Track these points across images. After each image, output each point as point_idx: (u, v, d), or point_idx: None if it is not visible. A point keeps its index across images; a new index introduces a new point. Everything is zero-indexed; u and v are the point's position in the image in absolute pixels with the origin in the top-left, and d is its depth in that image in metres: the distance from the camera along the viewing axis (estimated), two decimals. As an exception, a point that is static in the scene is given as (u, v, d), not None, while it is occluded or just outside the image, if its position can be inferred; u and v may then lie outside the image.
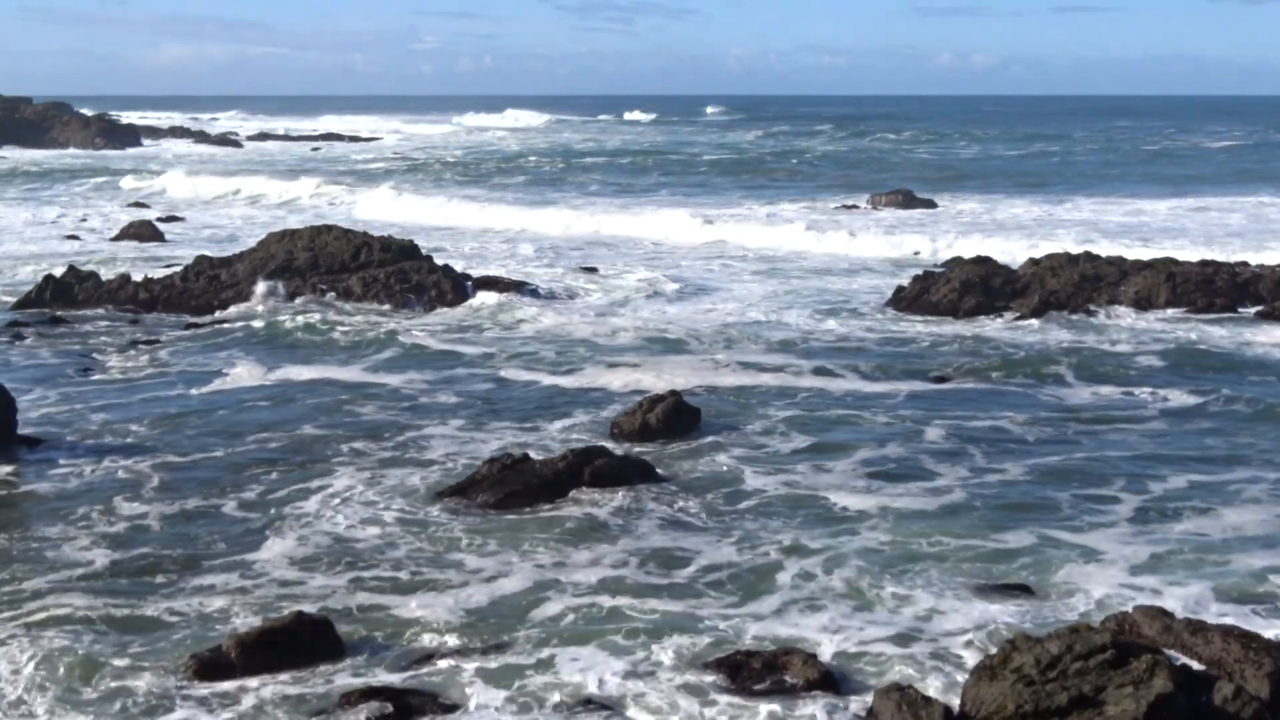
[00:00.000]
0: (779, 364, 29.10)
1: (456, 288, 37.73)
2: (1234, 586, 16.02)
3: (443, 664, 14.11)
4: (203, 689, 13.55)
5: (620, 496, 19.63)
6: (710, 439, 22.98)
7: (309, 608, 15.21)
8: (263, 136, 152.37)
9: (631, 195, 75.72)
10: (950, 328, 33.81)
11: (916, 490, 20.18)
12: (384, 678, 13.83)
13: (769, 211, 63.98)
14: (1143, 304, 35.96)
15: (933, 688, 13.27)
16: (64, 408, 25.14)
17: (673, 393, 24.16)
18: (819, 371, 28.42)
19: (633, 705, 13.17)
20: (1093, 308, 35.69)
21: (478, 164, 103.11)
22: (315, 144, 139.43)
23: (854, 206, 66.04)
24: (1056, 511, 19.07)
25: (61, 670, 13.86)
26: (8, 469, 21.03)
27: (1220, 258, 41.29)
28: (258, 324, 34.47)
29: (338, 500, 19.72)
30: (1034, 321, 34.49)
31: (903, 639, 14.76)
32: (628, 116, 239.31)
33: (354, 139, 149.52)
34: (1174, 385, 27.06)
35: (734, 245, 51.58)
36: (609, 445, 21.89)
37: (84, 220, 59.86)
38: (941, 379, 27.65)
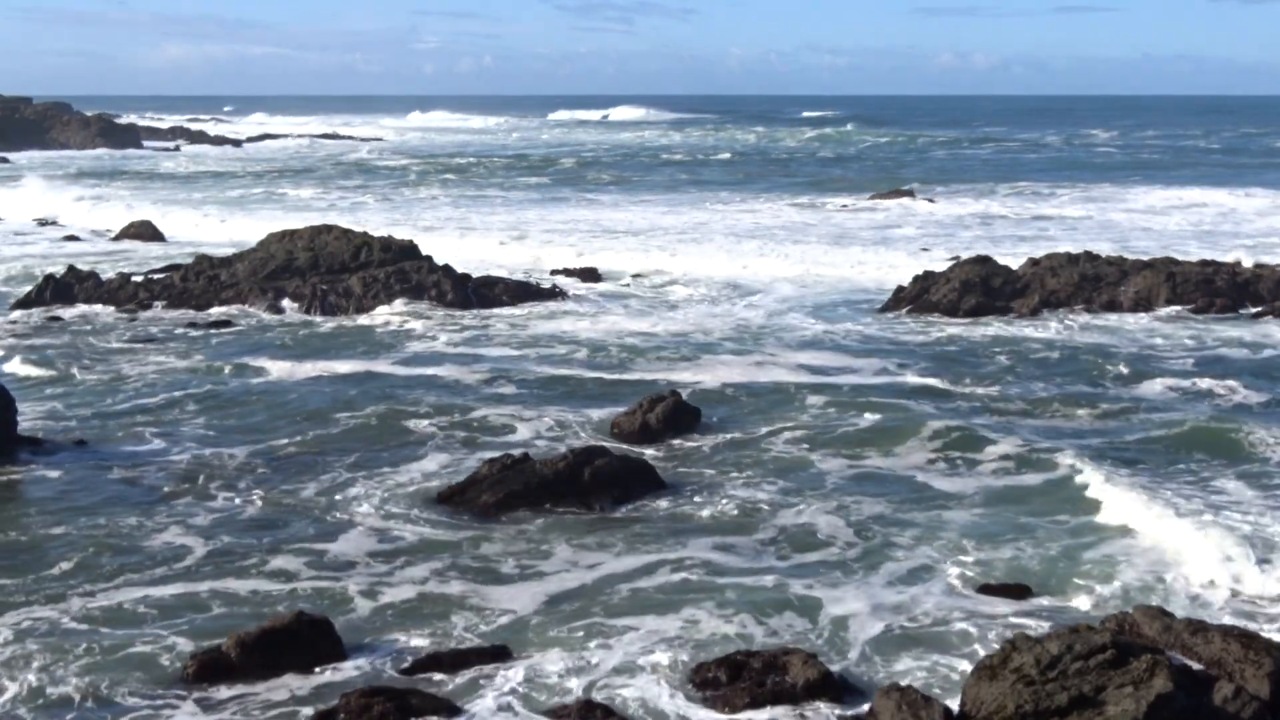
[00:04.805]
0: (784, 363, 29.10)
1: (457, 287, 37.72)
2: None
3: (444, 664, 14.12)
4: (203, 688, 13.56)
5: (619, 497, 19.66)
6: (710, 438, 22.99)
7: (308, 606, 15.24)
8: (263, 137, 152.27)
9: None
10: (951, 328, 33.79)
11: (934, 484, 20.25)
12: (385, 678, 13.85)
13: (770, 209, 64.00)
14: (1142, 304, 35.96)
15: (933, 687, 13.29)
16: (66, 408, 25.13)
17: (673, 392, 24.17)
18: (817, 369, 28.43)
19: (633, 707, 13.18)
20: (1094, 307, 35.71)
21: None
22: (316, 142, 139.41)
23: (845, 206, 66.02)
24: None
25: (69, 667, 13.91)
26: (9, 469, 21.02)
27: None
28: (259, 323, 34.54)
29: (345, 500, 19.77)
30: (1037, 320, 34.52)
31: (906, 637, 14.81)
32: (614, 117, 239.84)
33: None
34: (1211, 380, 27.21)
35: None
36: (610, 445, 21.92)
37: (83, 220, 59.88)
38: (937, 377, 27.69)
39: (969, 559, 17.24)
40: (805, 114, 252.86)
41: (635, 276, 42.91)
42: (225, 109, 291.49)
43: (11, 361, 29.23)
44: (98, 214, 61.59)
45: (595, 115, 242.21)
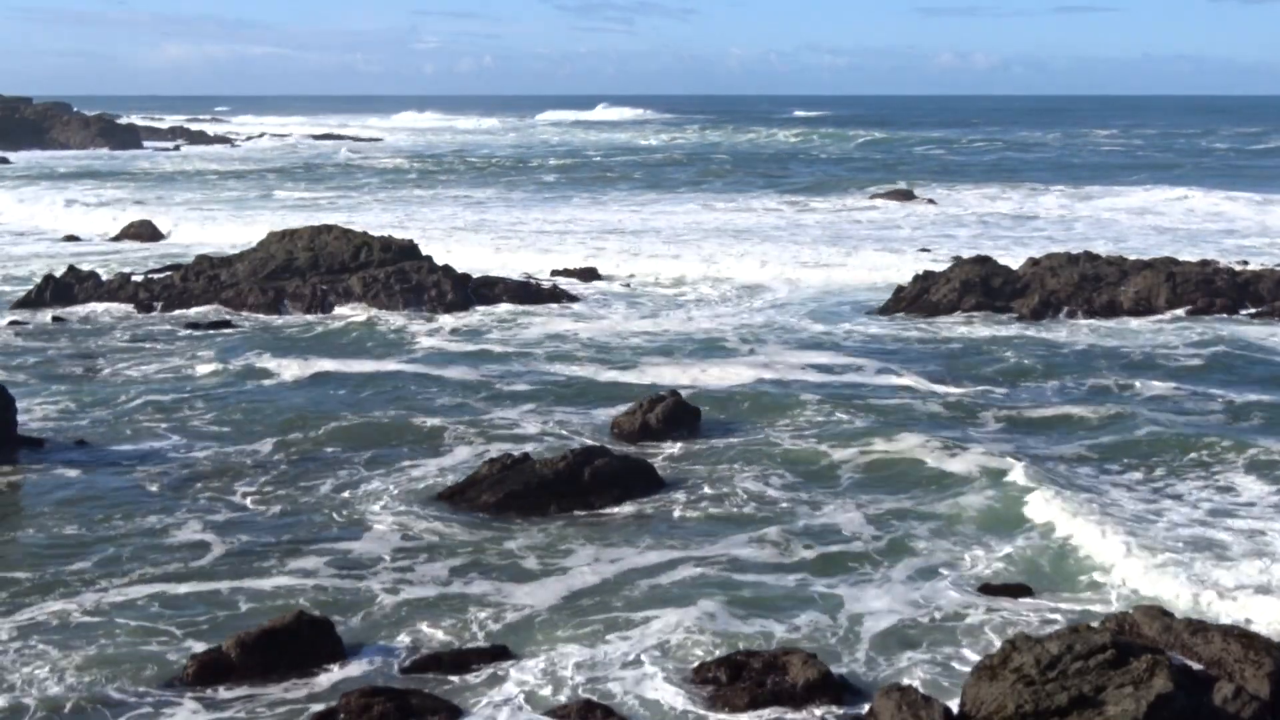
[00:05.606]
0: (784, 363, 29.09)
1: (457, 287, 37.70)
2: None
3: (445, 664, 14.12)
4: (204, 689, 13.57)
5: (619, 497, 19.66)
6: (710, 438, 22.98)
7: (304, 604, 15.25)
8: (261, 135, 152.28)
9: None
10: (951, 328, 33.78)
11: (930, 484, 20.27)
12: (385, 678, 13.85)
13: (766, 208, 64.00)
14: (1142, 304, 35.94)
15: (933, 687, 13.29)
16: (66, 408, 25.10)
17: (673, 392, 24.17)
18: (817, 369, 28.42)
19: (633, 706, 13.18)
20: (1094, 307, 35.68)
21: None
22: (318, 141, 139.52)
23: (844, 206, 66.01)
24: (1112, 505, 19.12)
25: (75, 665, 13.92)
26: (9, 470, 21.00)
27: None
28: (259, 323, 34.55)
29: (344, 501, 19.78)
30: (1037, 320, 34.53)
31: (906, 637, 14.82)
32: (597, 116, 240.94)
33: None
34: (1214, 382, 27.33)
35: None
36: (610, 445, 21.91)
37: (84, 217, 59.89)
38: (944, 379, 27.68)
39: (968, 559, 17.25)
40: (797, 113, 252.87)
41: (631, 276, 42.86)
42: (217, 109, 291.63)
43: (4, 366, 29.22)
44: (97, 214, 61.57)
45: (586, 115, 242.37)
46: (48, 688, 13.50)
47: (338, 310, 36.35)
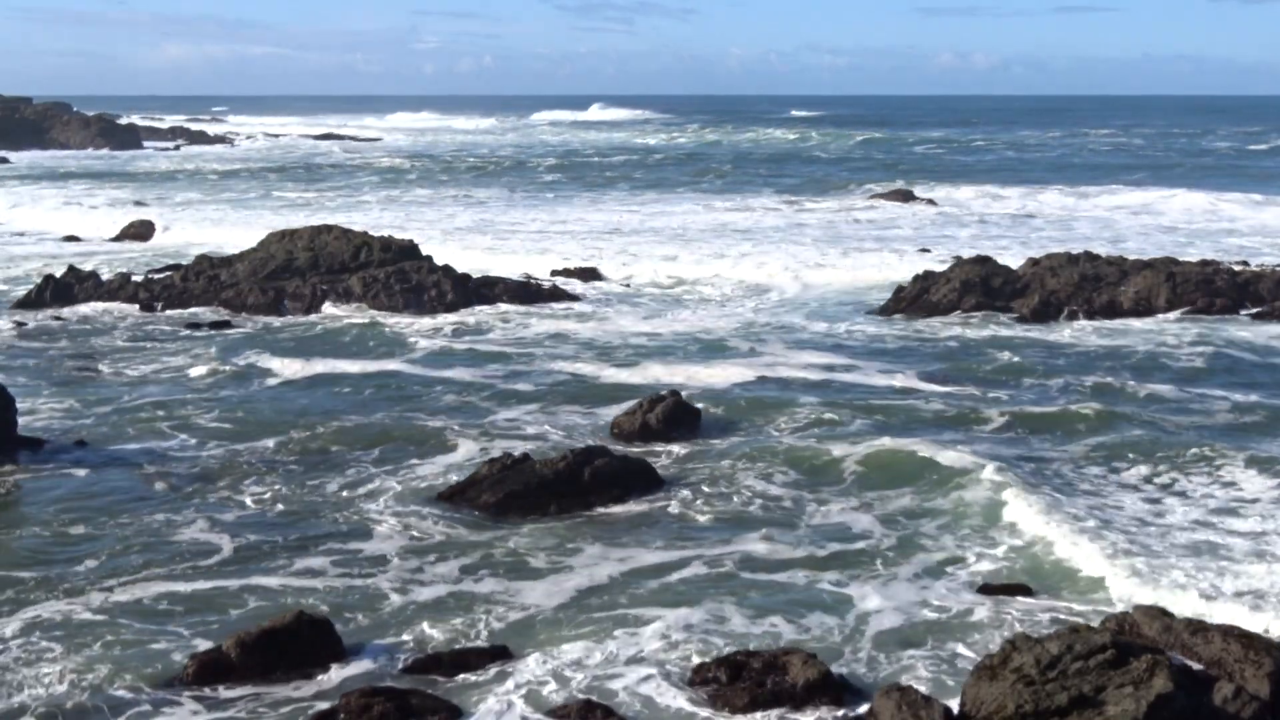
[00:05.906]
0: (784, 363, 29.10)
1: (457, 287, 37.70)
2: None
3: (444, 664, 14.12)
4: (204, 688, 13.57)
5: (619, 497, 19.67)
6: (710, 438, 22.98)
7: (309, 605, 15.25)
8: (259, 136, 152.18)
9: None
10: (951, 328, 33.76)
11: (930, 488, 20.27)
12: (385, 678, 13.85)
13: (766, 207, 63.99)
14: (1143, 304, 35.93)
15: (933, 687, 13.30)
16: (67, 408, 25.10)
17: (673, 393, 24.18)
18: (817, 369, 28.43)
19: (633, 706, 13.19)
20: (1094, 307, 35.67)
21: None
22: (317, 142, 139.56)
23: (844, 206, 66.00)
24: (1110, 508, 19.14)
25: (76, 664, 13.92)
26: (9, 470, 21.00)
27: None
28: (260, 322, 34.55)
29: (341, 501, 19.78)
30: (1037, 320, 34.50)
31: (906, 637, 14.82)
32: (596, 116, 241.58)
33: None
34: (1217, 382, 27.34)
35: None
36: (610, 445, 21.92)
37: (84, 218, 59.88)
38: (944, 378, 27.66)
39: (968, 558, 17.26)
40: (795, 113, 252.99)
41: (630, 276, 42.83)
42: (215, 109, 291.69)
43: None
44: (97, 214, 61.57)
45: (581, 116, 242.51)
46: (50, 686, 13.50)
47: (338, 310, 36.38)
